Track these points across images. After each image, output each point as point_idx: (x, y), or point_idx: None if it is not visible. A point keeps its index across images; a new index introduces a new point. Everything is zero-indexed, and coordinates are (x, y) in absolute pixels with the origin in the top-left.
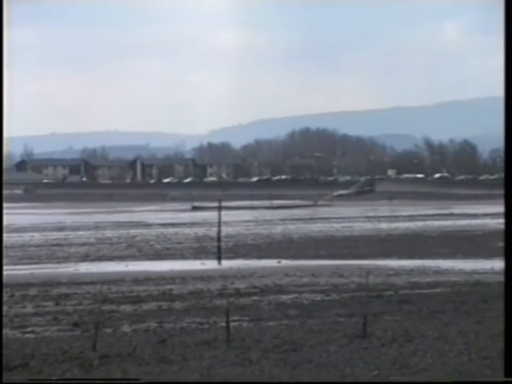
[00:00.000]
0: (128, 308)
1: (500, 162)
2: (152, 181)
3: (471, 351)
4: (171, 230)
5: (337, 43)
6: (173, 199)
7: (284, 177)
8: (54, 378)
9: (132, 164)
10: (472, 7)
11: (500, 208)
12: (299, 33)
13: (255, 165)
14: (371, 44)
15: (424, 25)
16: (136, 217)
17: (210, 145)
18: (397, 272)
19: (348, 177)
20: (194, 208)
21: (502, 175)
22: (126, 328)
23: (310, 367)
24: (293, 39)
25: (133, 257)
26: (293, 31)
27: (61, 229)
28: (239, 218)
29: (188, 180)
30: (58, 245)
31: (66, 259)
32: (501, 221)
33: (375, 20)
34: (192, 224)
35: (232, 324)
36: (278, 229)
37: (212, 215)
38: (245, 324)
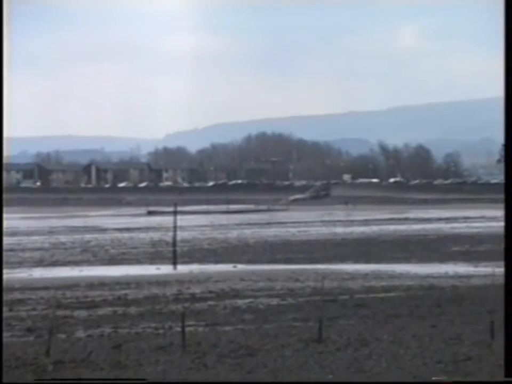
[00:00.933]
0: (82, 313)
1: (454, 167)
2: (107, 186)
3: (425, 354)
4: (126, 235)
5: (295, 48)
6: (128, 204)
7: (240, 181)
8: (54, 378)
9: (87, 168)
10: (428, 12)
11: (453, 213)
12: (257, 37)
13: (211, 170)
14: (329, 49)
15: (381, 30)
16: (91, 222)
17: (165, 149)
18: (352, 276)
19: (303, 182)
20: (150, 213)
21: (456, 179)
22: (80, 333)
23: (265, 371)
24: (251, 44)
25: (88, 262)
26: (252, 35)
27: (14, 234)
28: (195, 223)
29: (143, 185)
30: (11, 250)
31: (20, 264)
32: (455, 225)
33: (333, 25)
34: (147, 229)
35: (187, 329)
36: (234, 234)
37: (167, 220)
38: (200, 329)
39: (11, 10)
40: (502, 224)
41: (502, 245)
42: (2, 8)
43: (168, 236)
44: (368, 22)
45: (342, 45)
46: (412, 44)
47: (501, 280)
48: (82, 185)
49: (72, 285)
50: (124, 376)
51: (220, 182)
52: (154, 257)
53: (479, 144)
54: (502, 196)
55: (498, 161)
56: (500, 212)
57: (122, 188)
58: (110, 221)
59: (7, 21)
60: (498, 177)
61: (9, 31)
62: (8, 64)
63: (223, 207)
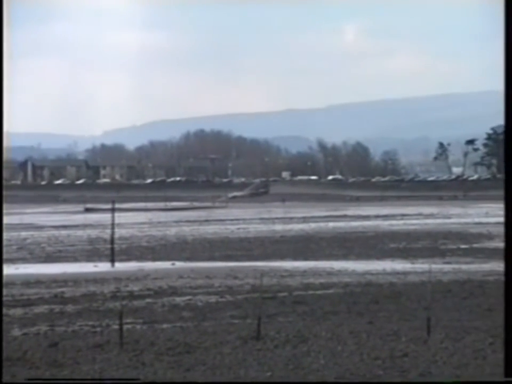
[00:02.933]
0: (18, 311)
1: (391, 164)
2: (43, 183)
3: (363, 351)
4: (63, 232)
5: (236, 45)
6: (65, 201)
7: (178, 179)
8: (54, 378)
9: (23, 165)
10: (369, 11)
11: (391, 210)
12: (198, 34)
13: (149, 167)
14: (269, 46)
15: (323, 28)
16: (27, 219)
17: (103, 146)
18: (291, 273)
19: (242, 179)
20: (87, 210)
21: (394, 177)
22: (16, 332)
23: (204, 369)
24: (192, 41)
25: (24, 260)
26: (192, 32)
27: None
28: (133, 220)
29: (80, 182)
30: None
31: None
32: (393, 222)
33: (274, 22)
34: (85, 226)
35: (125, 327)
36: (172, 231)
37: (105, 217)
38: (138, 327)
39: None
40: (438, 221)
41: (438, 242)
42: (3, 9)
43: (106, 233)
44: (310, 19)
45: (283, 42)
46: (353, 42)
47: (437, 277)
48: (18, 182)
49: (7, 283)
50: (60, 375)
51: (158, 179)
52: (91, 255)
53: (416, 142)
54: (438, 193)
55: (435, 159)
56: (436, 209)
57: (59, 185)
58: (47, 218)
59: None
60: (435, 174)
61: None
62: None
63: (162, 204)
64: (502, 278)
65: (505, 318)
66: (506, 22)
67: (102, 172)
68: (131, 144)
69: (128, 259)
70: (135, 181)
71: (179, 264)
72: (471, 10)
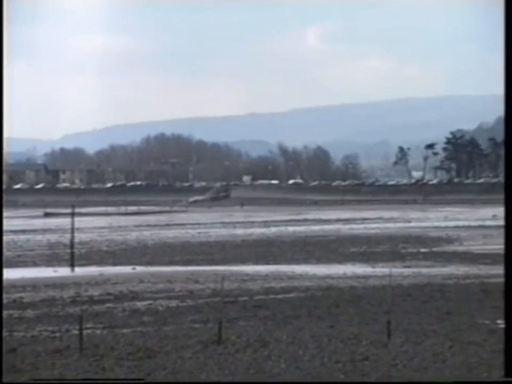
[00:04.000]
0: None
1: (352, 168)
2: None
3: (324, 355)
4: (22, 237)
5: (198, 48)
6: (24, 206)
7: (139, 183)
8: (54, 378)
9: None
10: (333, 15)
11: (352, 214)
12: (162, 38)
13: (109, 171)
14: (233, 50)
15: (286, 32)
16: None
17: (63, 150)
18: (252, 277)
19: (203, 183)
20: (47, 215)
21: (354, 181)
22: None
23: (164, 373)
24: (156, 44)
25: None
26: (157, 36)
27: None
28: (93, 224)
29: (39, 186)
30: None
31: None
32: (353, 226)
33: (238, 25)
34: (44, 231)
35: (85, 332)
36: (132, 235)
37: (65, 222)
38: (98, 331)
39: None
40: (398, 225)
41: (399, 246)
42: (3, 9)
43: (66, 238)
44: (274, 24)
45: (247, 46)
46: (316, 46)
47: (398, 281)
48: None
49: None
50: (19, 381)
51: (119, 183)
52: (51, 260)
53: (376, 146)
54: (399, 197)
55: (395, 163)
56: (396, 213)
57: (18, 189)
58: (6, 222)
59: None
60: (395, 178)
61: None
62: None
63: (122, 209)
64: (461, 281)
65: (505, 318)
66: (506, 22)
67: (62, 176)
68: (91, 148)
69: (88, 264)
70: (95, 185)
71: (140, 268)
72: (437, 14)
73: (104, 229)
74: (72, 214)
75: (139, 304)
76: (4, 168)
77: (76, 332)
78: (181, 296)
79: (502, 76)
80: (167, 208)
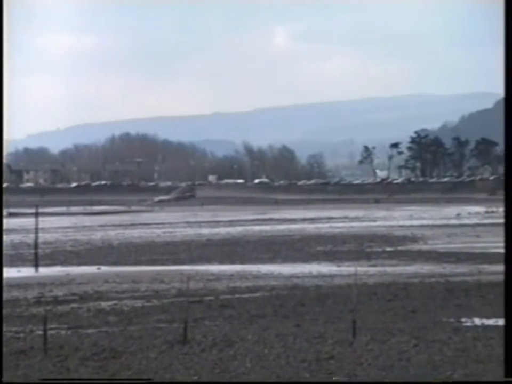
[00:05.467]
0: None
1: (317, 167)
2: None
3: (289, 354)
4: None
5: (166, 48)
6: None
7: (103, 182)
8: (54, 378)
9: None
10: (303, 15)
11: (317, 213)
12: (127, 38)
13: (73, 170)
14: (200, 49)
15: (255, 31)
16: None
17: (26, 150)
18: (218, 277)
19: (168, 183)
20: (10, 215)
21: (320, 180)
22: None
23: (129, 374)
24: (121, 44)
25: None
26: (122, 36)
27: None
28: (57, 224)
29: (3, 186)
30: None
31: None
32: (319, 225)
33: (206, 24)
34: (8, 231)
35: (49, 332)
36: (97, 235)
37: (28, 222)
38: (63, 332)
39: None
40: (364, 224)
41: (364, 245)
42: (3, 9)
43: (30, 238)
44: (242, 22)
45: (214, 45)
46: (284, 45)
47: (363, 279)
48: None
49: None
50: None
51: (83, 183)
52: (15, 260)
53: (342, 145)
54: (364, 196)
55: (360, 162)
56: (362, 212)
57: None
58: None
59: None
60: (361, 178)
61: None
62: None
63: (87, 209)
64: (426, 280)
65: (505, 317)
66: (506, 22)
67: (26, 176)
68: (55, 148)
69: (53, 264)
70: (60, 185)
71: (105, 268)
72: (403, 13)
73: (68, 228)
74: (36, 214)
75: (104, 304)
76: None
77: (40, 332)
78: (146, 296)
79: (467, 76)
80: (132, 208)
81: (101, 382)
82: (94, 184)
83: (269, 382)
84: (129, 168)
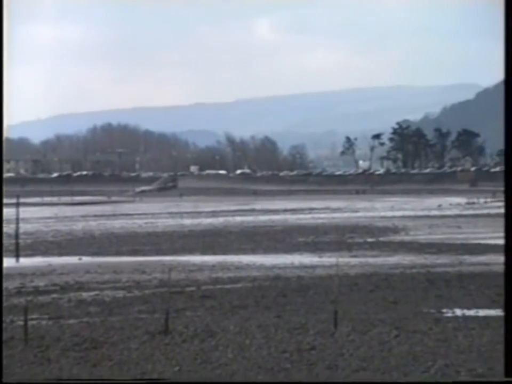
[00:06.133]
0: None
1: (299, 158)
2: None
3: (271, 344)
4: None
5: (148, 39)
6: None
7: (85, 173)
8: (54, 378)
9: None
10: (283, 6)
11: (299, 204)
12: (110, 28)
13: (55, 161)
14: (181, 40)
15: (236, 22)
16: None
17: (7, 140)
18: (200, 267)
19: (150, 173)
20: None
21: (302, 171)
22: None
23: (110, 364)
24: (104, 34)
25: None
26: (104, 26)
27: None
28: (39, 215)
29: None
30: None
31: None
32: (301, 216)
33: (187, 16)
34: None
35: (30, 323)
36: (79, 226)
37: (9, 212)
38: (44, 322)
39: None
40: (345, 215)
41: (346, 236)
42: (3, 9)
43: (11, 228)
44: (224, 13)
45: (196, 36)
46: (266, 36)
47: (344, 270)
48: None
49: None
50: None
51: (65, 173)
52: None
53: (323, 136)
54: (346, 187)
55: (342, 153)
56: (343, 203)
57: None
58: None
59: None
60: (342, 168)
61: None
62: None
63: (68, 199)
64: (407, 270)
65: (505, 317)
66: (506, 22)
67: (6, 166)
68: (36, 138)
69: (34, 254)
70: (41, 175)
71: (86, 259)
72: (386, 5)
73: (50, 219)
74: (17, 204)
75: (85, 294)
76: None
77: (21, 322)
78: (127, 286)
79: (447, 67)
80: (114, 198)
81: (101, 382)
82: (75, 174)
83: (269, 382)
84: (110, 158)
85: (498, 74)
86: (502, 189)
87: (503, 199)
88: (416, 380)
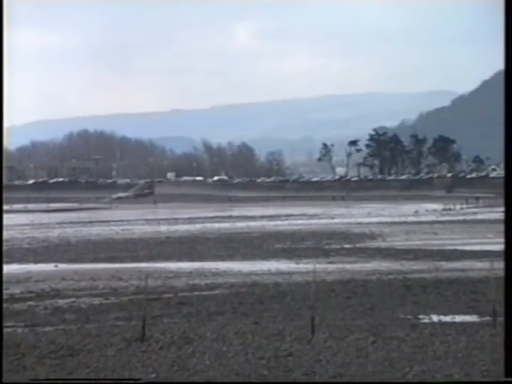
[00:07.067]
0: None
1: (276, 165)
2: None
3: (248, 351)
4: None
5: (125, 45)
6: None
7: (61, 179)
8: (54, 378)
9: None
10: (262, 13)
11: (276, 210)
12: (86, 34)
13: (31, 167)
14: (160, 47)
15: (215, 29)
16: None
17: None
18: (176, 274)
19: (127, 180)
20: None
21: (279, 177)
22: None
23: (87, 371)
24: (80, 41)
25: None
26: (81, 32)
27: None
28: (14, 222)
29: None
30: None
31: None
32: (278, 222)
33: (166, 22)
34: None
35: (6, 330)
36: (55, 233)
37: None
38: (19, 330)
39: None
40: (322, 221)
41: (323, 242)
42: (3, 9)
43: None
44: (201, 20)
45: (174, 42)
46: (244, 43)
47: (322, 277)
48: None
49: None
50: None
51: (40, 180)
52: None
53: (300, 143)
54: (323, 194)
55: (319, 159)
56: (320, 210)
57: None
58: None
59: None
60: (319, 175)
61: None
62: None
63: (44, 206)
64: (384, 277)
65: (505, 317)
66: (506, 21)
67: None
68: (11, 144)
69: (9, 261)
70: (17, 182)
71: (62, 266)
72: (364, 12)
73: (25, 226)
74: None
75: (61, 302)
76: None
77: None
78: (104, 293)
79: (424, 75)
80: (90, 205)
81: (101, 382)
82: (51, 181)
83: (270, 381)
84: (87, 165)
85: (474, 82)
86: (478, 195)
87: (477, 205)
88: (417, 380)
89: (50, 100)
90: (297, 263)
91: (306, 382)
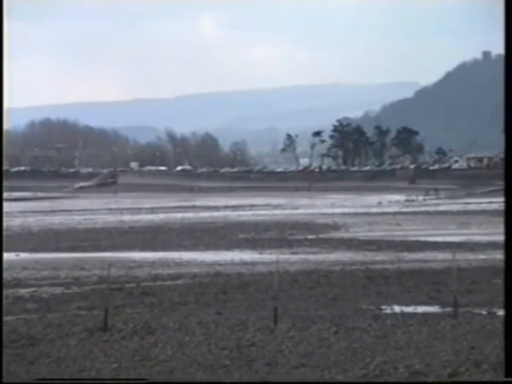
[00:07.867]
0: None
1: (240, 155)
2: None
3: (211, 341)
4: None
5: (89, 34)
6: None
7: (23, 168)
8: (54, 378)
9: None
10: (229, 3)
11: (240, 201)
12: (51, 23)
13: None
14: (125, 36)
15: (181, 19)
16: None
17: None
18: (139, 264)
19: (90, 169)
20: None
21: (242, 168)
22: None
23: (48, 361)
24: (44, 29)
25: None
26: (46, 21)
27: None
28: None
29: None
30: None
31: None
32: (242, 213)
33: (131, 12)
34: None
35: None
36: (16, 222)
37: None
38: None
39: None
40: (286, 212)
41: (286, 232)
42: (3, 8)
43: None
44: (166, 9)
45: (139, 32)
46: (209, 32)
47: (285, 267)
48: None
49: None
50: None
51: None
52: None
53: (264, 133)
54: (286, 184)
55: (283, 150)
56: (284, 200)
57: None
58: None
59: None
60: (283, 166)
61: None
62: None
63: (5, 195)
64: (347, 267)
65: (505, 317)
66: (506, 21)
67: None
68: None
69: None
70: None
71: (24, 255)
72: (329, 3)
73: None
74: None
75: (23, 291)
76: None
77: None
78: (66, 283)
79: (388, 66)
80: (52, 194)
81: (101, 382)
82: (13, 169)
83: (269, 382)
84: (49, 154)
85: (437, 73)
86: (440, 186)
87: (438, 196)
88: (416, 379)
89: (12, 88)
90: (261, 254)
91: (310, 382)
